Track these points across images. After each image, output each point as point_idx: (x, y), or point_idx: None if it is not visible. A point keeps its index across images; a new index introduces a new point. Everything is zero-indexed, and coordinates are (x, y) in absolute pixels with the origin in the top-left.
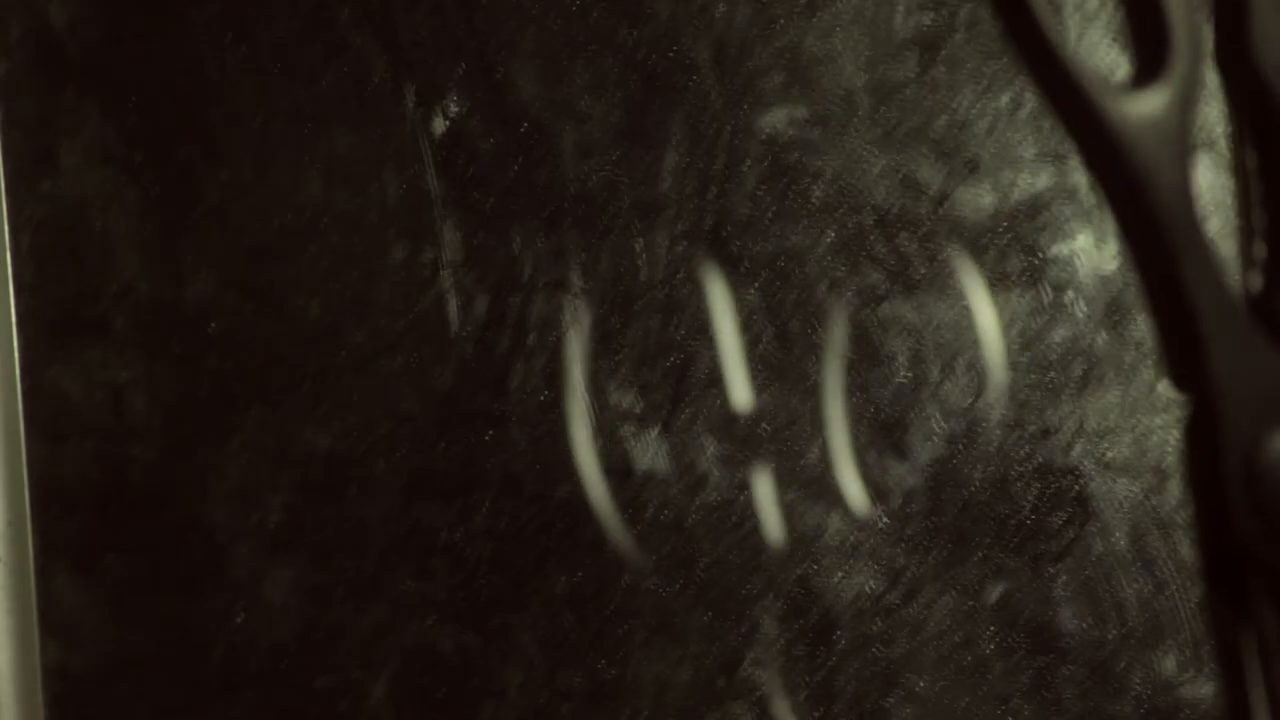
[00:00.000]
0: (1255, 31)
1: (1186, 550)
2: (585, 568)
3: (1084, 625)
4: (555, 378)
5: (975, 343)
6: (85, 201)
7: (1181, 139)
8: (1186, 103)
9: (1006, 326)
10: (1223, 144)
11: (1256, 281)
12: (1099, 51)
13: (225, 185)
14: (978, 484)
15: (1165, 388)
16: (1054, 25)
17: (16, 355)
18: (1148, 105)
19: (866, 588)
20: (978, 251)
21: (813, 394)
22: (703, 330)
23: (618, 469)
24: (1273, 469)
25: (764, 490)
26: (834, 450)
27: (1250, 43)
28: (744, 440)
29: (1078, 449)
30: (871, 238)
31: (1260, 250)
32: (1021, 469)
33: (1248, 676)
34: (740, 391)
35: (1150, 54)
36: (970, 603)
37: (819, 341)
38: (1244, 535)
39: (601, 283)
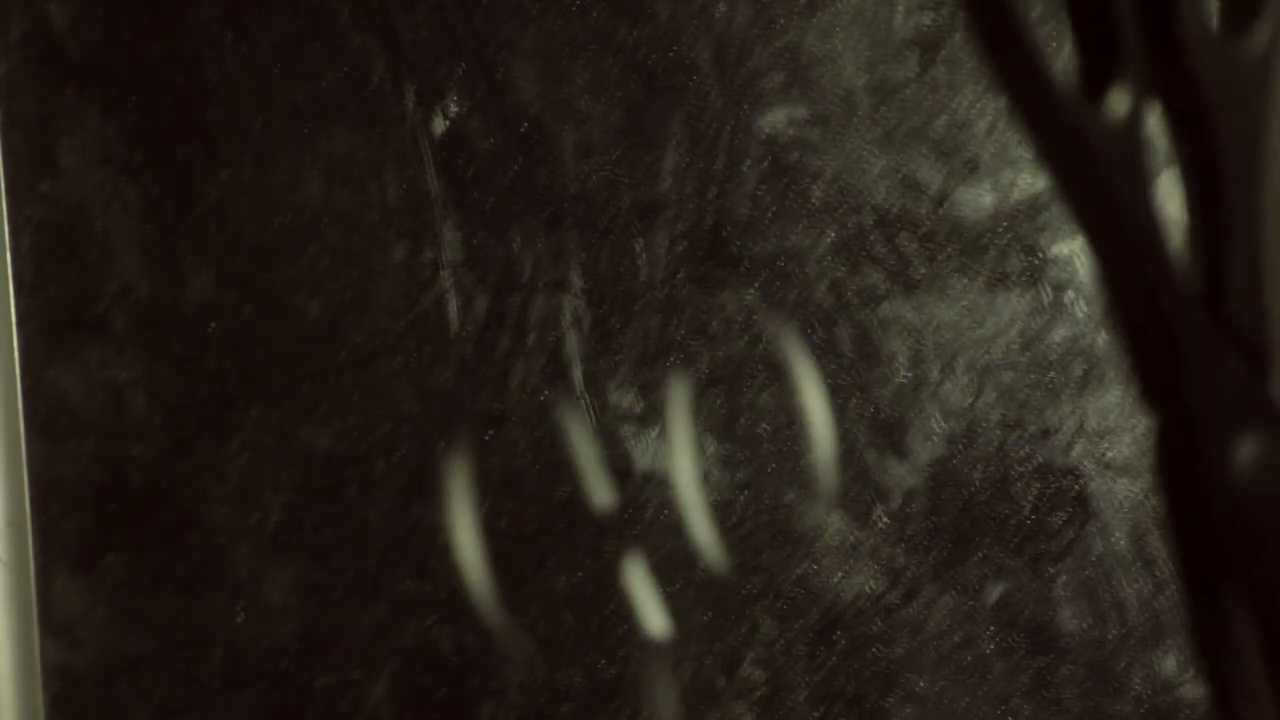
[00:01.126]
0: (1180, 13)
1: None
2: (585, 568)
3: (1084, 625)
4: (555, 378)
5: (974, 344)
6: (85, 201)
7: (1140, 145)
8: (1142, 108)
9: (1006, 326)
10: None
11: (1199, 281)
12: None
13: (225, 185)
14: (978, 484)
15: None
16: (1033, 33)
17: (16, 355)
18: (1106, 114)
19: (866, 588)
20: (978, 251)
21: (811, 394)
22: (702, 330)
23: (618, 469)
24: (1245, 475)
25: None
26: (684, 493)
27: (1174, 25)
28: (743, 441)
29: (1078, 449)
30: (871, 238)
31: (1199, 248)
32: (1021, 469)
33: (1230, 682)
34: (602, 494)
35: (1102, 61)
36: (970, 603)
37: (819, 341)
38: (1219, 542)
39: (601, 283)
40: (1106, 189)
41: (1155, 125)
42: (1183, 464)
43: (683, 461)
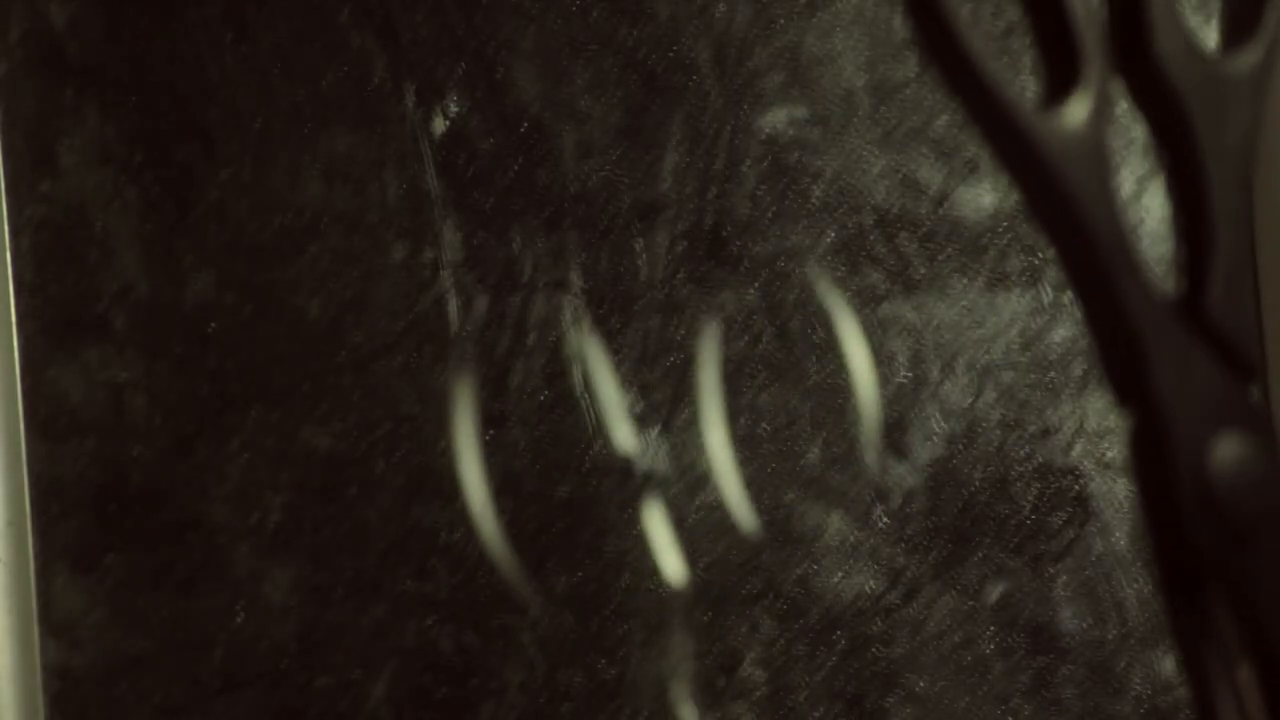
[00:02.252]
0: (1152, 24)
1: None
2: (585, 568)
3: (1084, 625)
4: (555, 378)
5: (975, 343)
6: (85, 201)
7: (1102, 151)
8: (1103, 113)
9: (1006, 326)
10: None
11: (1182, 285)
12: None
13: (225, 185)
14: (978, 484)
15: None
16: (973, 43)
17: (16, 355)
18: (1065, 120)
19: (866, 588)
20: (978, 251)
21: (813, 394)
22: (703, 330)
23: (618, 469)
24: (1222, 474)
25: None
26: (716, 464)
27: (1147, 36)
28: (742, 441)
29: (1078, 449)
30: (871, 238)
31: (1183, 252)
32: (1021, 469)
33: (1213, 683)
34: (625, 437)
35: (1062, 67)
36: (970, 603)
37: (819, 341)
38: (1197, 543)
39: (601, 283)
40: (1068, 196)
41: (1128, 132)
42: (1157, 465)
43: (708, 454)
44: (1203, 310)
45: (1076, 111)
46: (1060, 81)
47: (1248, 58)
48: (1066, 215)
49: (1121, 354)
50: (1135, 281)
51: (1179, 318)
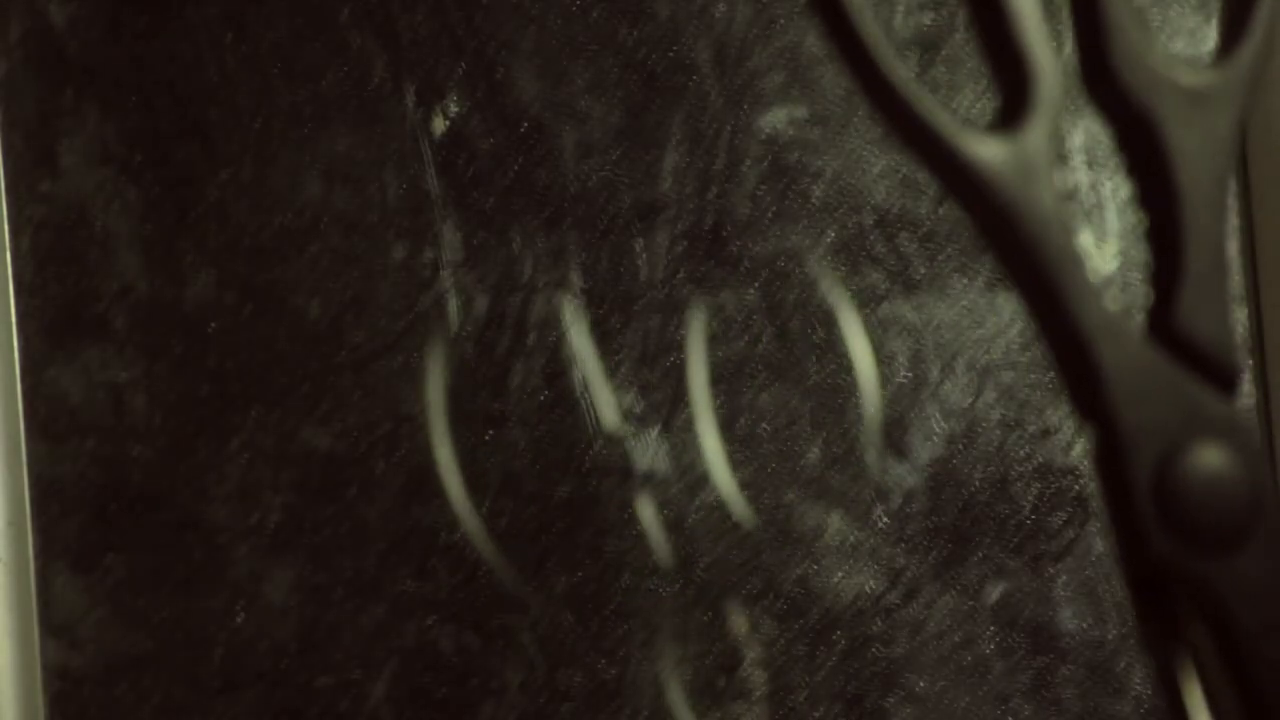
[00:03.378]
0: (1114, 46)
1: None
2: (585, 568)
3: (1084, 625)
4: (555, 378)
5: (974, 343)
6: (85, 201)
7: (1050, 169)
8: (1054, 135)
9: (1006, 326)
10: None
11: (1150, 297)
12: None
13: (225, 185)
14: (978, 484)
15: None
16: (901, 72)
17: (16, 355)
18: (1015, 145)
19: (866, 588)
20: (978, 251)
21: (813, 394)
22: (691, 328)
23: (618, 469)
24: (1185, 485)
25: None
26: (708, 455)
27: (1110, 58)
28: (741, 441)
29: (1078, 449)
30: (871, 238)
31: (1153, 264)
32: (1021, 469)
33: (1186, 695)
34: (609, 413)
35: (1013, 91)
36: (970, 603)
37: (819, 341)
38: (1161, 556)
39: (601, 283)
40: (1017, 218)
41: (1057, 147)
42: (1121, 480)
43: (701, 397)
44: (1172, 322)
45: (1025, 136)
46: (1014, 106)
47: (1222, 67)
48: (1013, 234)
49: (1078, 368)
50: (1086, 296)
51: (1145, 331)
